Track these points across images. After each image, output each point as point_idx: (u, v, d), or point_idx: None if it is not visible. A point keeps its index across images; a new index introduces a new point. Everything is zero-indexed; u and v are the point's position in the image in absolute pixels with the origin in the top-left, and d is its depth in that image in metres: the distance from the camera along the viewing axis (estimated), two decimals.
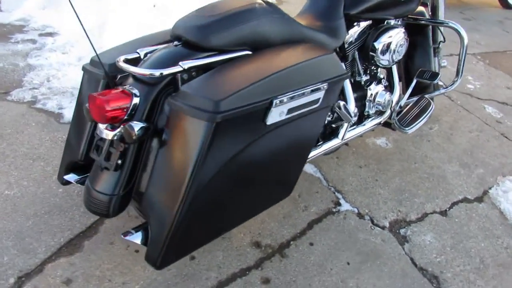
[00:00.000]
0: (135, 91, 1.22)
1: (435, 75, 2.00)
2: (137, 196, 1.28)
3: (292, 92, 1.21)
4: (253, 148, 1.20)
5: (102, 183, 1.27)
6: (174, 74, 1.21)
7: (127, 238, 1.20)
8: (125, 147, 1.22)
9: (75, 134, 1.48)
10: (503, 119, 2.87)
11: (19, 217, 1.63)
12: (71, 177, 1.49)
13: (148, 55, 1.38)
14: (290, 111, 1.22)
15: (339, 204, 1.91)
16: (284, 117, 1.21)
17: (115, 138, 1.21)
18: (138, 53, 1.39)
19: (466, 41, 1.99)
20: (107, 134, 1.22)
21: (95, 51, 1.26)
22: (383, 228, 1.82)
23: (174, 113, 1.13)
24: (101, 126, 1.24)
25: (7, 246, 1.51)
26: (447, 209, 1.98)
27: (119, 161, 1.22)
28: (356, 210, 1.89)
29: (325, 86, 1.30)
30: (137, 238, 1.20)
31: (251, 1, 1.42)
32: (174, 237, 1.11)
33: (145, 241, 1.19)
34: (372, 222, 1.84)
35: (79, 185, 1.49)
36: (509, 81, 3.52)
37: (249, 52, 1.37)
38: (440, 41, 2.29)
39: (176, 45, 1.32)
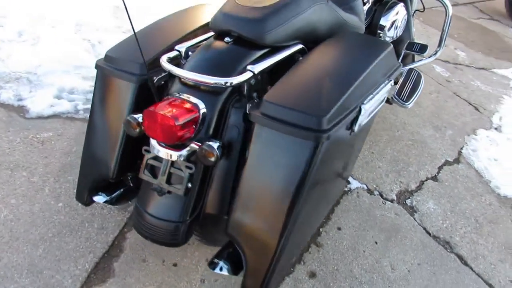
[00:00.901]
0: (198, 102, 1.04)
1: (424, 47, 2.04)
2: (204, 220, 1.14)
3: (371, 94, 1.13)
4: (337, 155, 1.12)
5: (164, 209, 1.10)
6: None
7: (219, 271, 1.07)
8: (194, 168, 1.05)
9: (100, 148, 1.23)
10: (450, 78, 3.10)
11: (23, 246, 1.35)
12: (100, 198, 1.26)
13: (191, 53, 1.17)
14: (369, 114, 1.15)
15: (349, 182, 1.93)
16: (365, 121, 1.14)
17: (181, 159, 1.03)
18: (178, 50, 1.18)
19: (450, 12, 2.04)
20: (169, 154, 1.03)
21: (139, 47, 1.03)
22: (392, 201, 1.90)
23: (263, 130, 0.98)
24: (157, 144, 1.04)
25: (25, 285, 1.26)
26: (436, 174, 2.12)
27: (189, 185, 1.06)
28: (365, 187, 1.93)
29: (391, 82, 1.24)
30: (226, 269, 1.07)
31: None
32: (277, 263, 1.01)
33: (233, 270, 1.08)
34: (382, 196, 1.90)
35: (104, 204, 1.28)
36: None
37: (302, 46, 1.24)
38: (416, 10, 2.32)
39: (227, 42, 1.14)
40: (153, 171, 1.10)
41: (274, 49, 1.17)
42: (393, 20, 1.77)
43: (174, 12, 1.47)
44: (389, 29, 1.78)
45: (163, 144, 1.04)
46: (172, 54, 1.16)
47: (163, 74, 1.18)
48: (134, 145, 1.21)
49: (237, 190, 1.03)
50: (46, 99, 1.87)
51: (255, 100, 1.11)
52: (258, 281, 1.03)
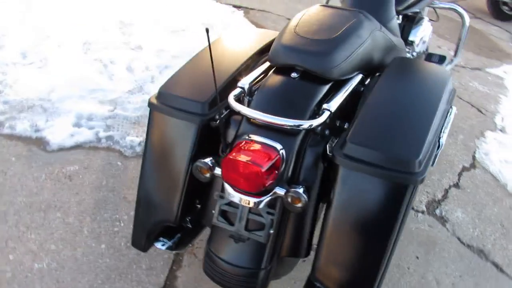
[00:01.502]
0: (276, 145, 0.99)
1: (443, 58, 2.06)
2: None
3: (443, 125, 1.11)
4: None
5: (243, 256, 1.04)
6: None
7: None
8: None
9: (159, 192, 1.17)
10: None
11: None
12: (162, 244, 1.19)
13: (256, 91, 1.11)
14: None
15: None
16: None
17: (261, 205, 0.98)
18: (242, 87, 1.11)
19: (467, 22, 2.06)
20: (248, 201, 0.98)
21: (215, 84, 0.98)
22: (423, 213, 1.91)
23: (350, 173, 0.94)
24: (233, 190, 0.99)
25: None
26: (458, 181, 2.15)
27: (271, 231, 1.01)
28: None
29: (453, 108, 1.23)
30: None
31: (353, 14, 1.22)
32: None
33: None
34: (413, 208, 1.91)
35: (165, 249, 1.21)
36: None
37: (362, 75, 1.21)
38: (430, 20, 2.34)
39: (294, 78, 1.09)
40: (227, 217, 1.05)
41: (338, 82, 1.14)
42: (422, 36, 1.77)
43: (220, 38, 1.41)
44: (417, 45, 1.77)
45: (240, 190, 0.99)
46: (236, 91, 1.10)
47: (225, 113, 1.12)
48: (196, 188, 1.15)
49: (324, 235, 0.99)
50: (65, 128, 1.76)
51: (332, 139, 1.07)
52: None
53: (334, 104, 1.03)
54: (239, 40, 1.42)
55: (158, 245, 1.19)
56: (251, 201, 0.98)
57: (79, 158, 1.70)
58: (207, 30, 0.90)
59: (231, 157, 0.93)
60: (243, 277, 1.04)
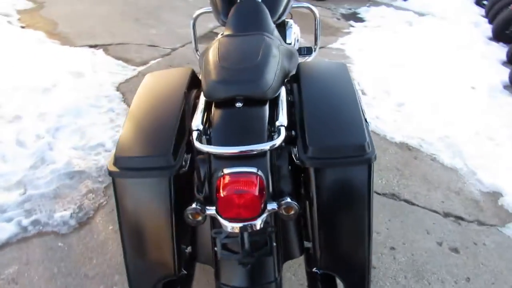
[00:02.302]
0: (252, 169, 1.10)
1: (310, 49, 2.38)
2: None
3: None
4: None
5: (256, 276, 1.13)
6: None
7: None
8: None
9: (149, 253, 1.17)
10: None
11: None
12: None
13: (209, 129, 1.19)
14: None
15: None
16: None
17: (262, 224, 1.09)
18: (198, 129, 1.18)
19: (318, 15, 2.41)
20: (252, 226, 1.07)
21: (176, 133, 1.04)
22: None
23: (321, 172, 1.11)
24: (229, 222, 1.07)
25: None
26: None
27: (274, 244, 1.12)
28: None
29: None
30: None
31: (258, 37, 1.37)
32: (370, 269, 1.17)
33: None
34: None
35: None
36: None
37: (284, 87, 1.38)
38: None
39: (239, 107, 1.20)
40: (229, 248, 1.12)
41: (272, 99, 1.28)
42: (295, 36, 2.03)
43: (142, 85, 1.41)
44: (295, 45, 2.03)
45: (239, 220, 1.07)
46: (195, 134, 1.16)
47: (188, 157, 1.18)
48: (184, 235, 1.19)
49: (315, 230, 1.14)
50: None
51: (290, 148, 1.21)
52: None
53: (283, 119, 1.18)
54: (161, 83, 1.45)
55: None
56: (256, 224, 1.06)
57: (14, 256, 1.52)
58: None
59: (223, 195, 1.01)
60: None
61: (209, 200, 1.14)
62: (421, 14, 5.54)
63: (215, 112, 1.21)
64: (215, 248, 1.11)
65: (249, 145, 1.08)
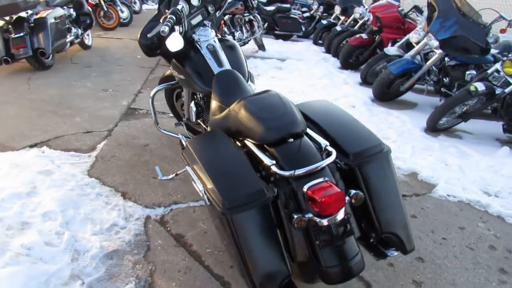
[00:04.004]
0: (323, 178, 1.60)
1: None
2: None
3: None
4: None
5: (348, 252, 1.59)
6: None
7: (393, 255, 1.69)
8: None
9: (269, 262, 1.56)
10: None
11: None
12: None
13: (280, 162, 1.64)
14: None
15: None
16: None
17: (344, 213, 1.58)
18: (273, 163, 1.61)
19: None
20: (345, 214, 1.57)
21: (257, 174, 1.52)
22: None
23: (364, 168, 1.68)
24: (328, 218, 1.54)
25: None
26: None
27: (353, 225, 1.61)
28: None
29: None
30: (394, 251, 1.71)
31: (269, 93, 1.88)
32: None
33: (397, 249, 1.73)
34: None
35: None
36: None
37: None
38: None
39: (292, 141, 1.69)
40: (326, 240, 1.57)
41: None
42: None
43: (194, 152, 1.76)
44: None
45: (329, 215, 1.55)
46: (274, 168, 1.60)
47: (276, 186, 1.62)
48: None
49: (373, 208, 1.68)
50: None
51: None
52: (411, 241, 1.74)
53: (324, 141, 1.71)
54: (208, 144, 1.83)
55: None
56: (341, 213, 1.54)
57: None
58: None
59: (322, 200, 1.48)
60: (357, 262, 1.60)
61: (298, 210, 1.59)
62: (282, 60, 6.66)
63: (277, 150, 1.67)
64: (315, 243, 1.56)
65: (314, 164, 1.59)
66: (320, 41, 8.56)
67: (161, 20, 2.40)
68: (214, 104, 2.28)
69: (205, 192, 1.63)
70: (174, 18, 2.26)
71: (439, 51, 4.42)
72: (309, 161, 1.62)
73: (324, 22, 8.48)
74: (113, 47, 7.10)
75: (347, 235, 1.60)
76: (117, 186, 2.73)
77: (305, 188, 1.57)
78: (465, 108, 3.93)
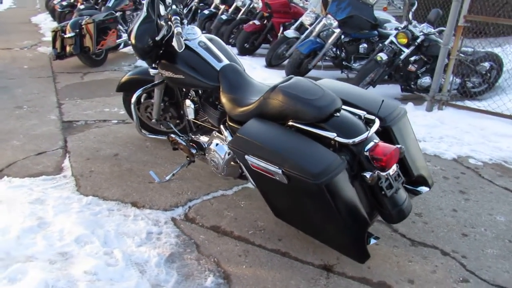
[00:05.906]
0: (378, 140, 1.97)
1: None
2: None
3: None
4: None
5: (404, 195, 2.01)
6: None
7: (424, 191, 2.18)
8: None
9: (358, 217, 1.85)
10: None
11: None
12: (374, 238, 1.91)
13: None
14: None
15: None
16: None
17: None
18: (335, 135, 1.90)
19: None
20: (397, 167, 1.96)
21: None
22: None
23: (396, 126, 2.11)
24: (390, 171, 1.92)
25: None
26: None
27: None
28: None
29: None
30: (425, 188, 2.21)
31: (304, 78, 2.14)
32: None
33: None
34: None
35: None
36: None
37: None
38: None
39: (338, 116, 2.00)
40: (391, 188, 1.94)
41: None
42: None
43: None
44: None
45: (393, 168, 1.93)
46: (339, 139, 1.90)
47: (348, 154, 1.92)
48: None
49: (409, 157, 2.12)
50: None
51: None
52: (431, 177, 2.23)
53: (359, 111, 2.06)
54: (264, 125, 2.02)
55: (372, 241, 1.91)
56: (395, 168, 1.94)
57: None
58: None
59: (387, 156, 1.85)
60: (409, 203, 2.02)
61: (361, 169, 1.92)
62: None
63: (326, 124, 1.95)
64: (380, 193, 1.92)
65: (366, 131, 1.93)
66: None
67: (163, 23, 2.38)
68: (226, 97, 2.40)
69: (283, 172, 1.83)
70: (178, 18, 2.29)
71: (337, 30, 5.11)
72: (359, 129, 1.95)
73: (206, 12, 8.64)
74: None
75: (401, 184, 2.00)
76: (122, 198, 2.62)
77: (366, 151, 1.90)
78: (372, 75, 4.70)
